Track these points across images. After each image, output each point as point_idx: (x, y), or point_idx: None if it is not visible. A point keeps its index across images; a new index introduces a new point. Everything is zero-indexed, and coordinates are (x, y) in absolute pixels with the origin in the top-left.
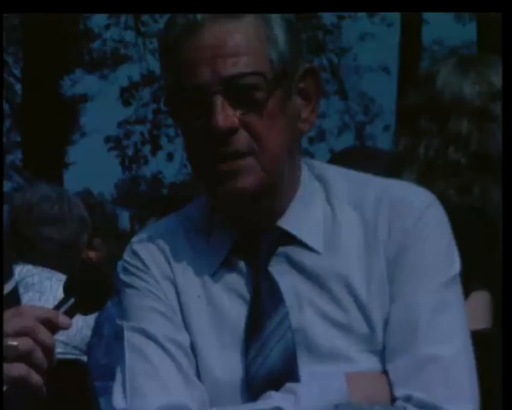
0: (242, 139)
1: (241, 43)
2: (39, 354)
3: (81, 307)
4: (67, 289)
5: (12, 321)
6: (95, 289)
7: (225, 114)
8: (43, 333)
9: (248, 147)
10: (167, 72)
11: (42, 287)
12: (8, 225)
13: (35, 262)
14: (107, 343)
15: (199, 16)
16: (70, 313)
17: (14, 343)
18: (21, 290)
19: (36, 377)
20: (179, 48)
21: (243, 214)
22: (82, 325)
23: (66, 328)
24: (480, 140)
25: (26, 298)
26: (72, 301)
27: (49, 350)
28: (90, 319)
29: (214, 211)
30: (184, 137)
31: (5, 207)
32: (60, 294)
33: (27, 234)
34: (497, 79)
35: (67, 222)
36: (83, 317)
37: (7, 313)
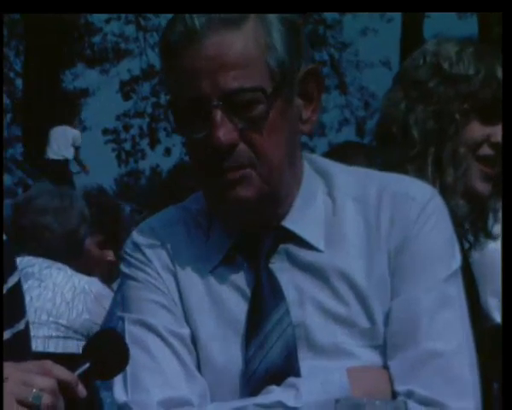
0: (242, 153)
1: (240, 54)
2: None
3: (96, 373)
4: (85, 351)
5: (36, 377)
6: (112, 357)
7: (225, 129)
8: (61, 402)
9: (248, 160)
10: (169, 78)
11: (42, 275)
12: (9, 219)
13: (35, 252)
14: None
15: (197, 23)
16: (85, 377)
17: (41, 394)
18: (22, 280)
19: None
20: (178, 56)
21: (244, 221)
22: (82, 310)
23: (80, 397)
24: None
25: (26, 286)
26: (87, 365)
27: None
28: (91, 303)
29: (215, 216)
30: (186, 146)
31: (6, 203)
32: (60, 280)
33: (26, 224)
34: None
35: (67, 214)
36: (83, 301)
37: (30, 365)
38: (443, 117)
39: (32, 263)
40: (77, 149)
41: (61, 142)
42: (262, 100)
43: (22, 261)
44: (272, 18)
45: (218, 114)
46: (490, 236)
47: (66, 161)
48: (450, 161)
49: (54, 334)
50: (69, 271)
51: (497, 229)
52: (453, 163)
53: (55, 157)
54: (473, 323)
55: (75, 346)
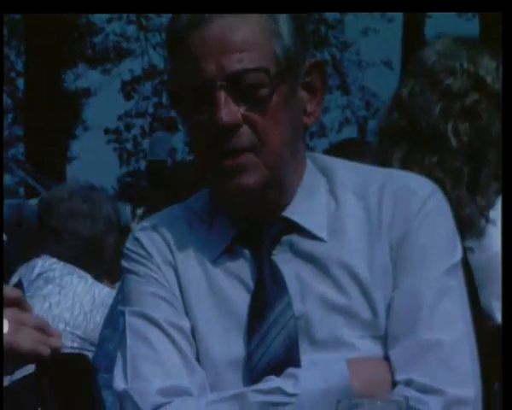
0: (245, 135)
1: (246, 38)
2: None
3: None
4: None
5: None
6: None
7: (228, 110)
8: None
9: (251, 143)
10: (173, 64)
11: (62, 281)
12: (36, 218)
13: (60, 256)
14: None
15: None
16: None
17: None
18: (41, 283)
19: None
20: (185, 40)
21: (248, 209)
22: (100, 322)
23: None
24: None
25: (46, 291)
26: None
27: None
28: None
29: (217, 204)
30: (189, 131)
31: (34, 201)
32: (80, 290)
33: (55, 226)
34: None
35: (95, 220)
36: (101, 313)
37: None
38: (485, 137)
39: (54, 268)
40: (171, 151)
41: (163, 147)
42: (266, 82)
43: (44, 264)
44: None
45: (222, 95)
46: (489, 221)
47: (165, 161)
48: (486, 185)
49: (69, 344)
50: (90, 280)
51: (495, 215)
52: (488, 188)
53: (157, 158)
54: (473, 322)
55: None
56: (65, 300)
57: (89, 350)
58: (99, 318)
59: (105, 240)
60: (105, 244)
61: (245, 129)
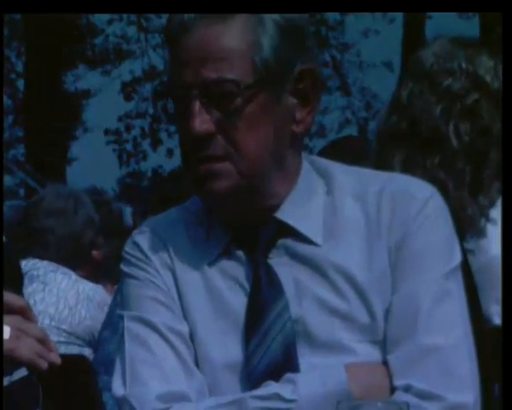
0: (219, 144)
1: (224, 47)
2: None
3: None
4: None
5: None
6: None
7: (202, 119)
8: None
9: (224, 152)
10: (167, 66)
11: (46, 278)
12: (21, 221)
13: (40, 255)
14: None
15: (186, 16)
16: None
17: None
18: (26, 282)
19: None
20: (172, 45)
21: (234, 213)
22: (85, 316)
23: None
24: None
25: (30, 289)
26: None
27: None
28: (94, 310)
29: (209, 208)
30: (178, 133)
31: (7, 204)
32: (64, 286)
33: (33, 225)
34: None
35: (70, 217)
36: (86, 307)
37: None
38: (486, 136)
39: (37, 266)
40: None
41: None
42: (240, 92)
43: (28, 264)
44: (265, 17)
45: (197, 104)
46: (489, 220)
47: None
48: (489, 184)
49: (55, 339)
50: (74, 276)
51: (496, 213)
52: (491, 187)
53: None
54: (472, 325)
55: (77, 351)
56: (49, 296)
57: (75, 343)
58: (84, 312)
59: (83, 237)
60: (84, 241)
61: (219, 138)
